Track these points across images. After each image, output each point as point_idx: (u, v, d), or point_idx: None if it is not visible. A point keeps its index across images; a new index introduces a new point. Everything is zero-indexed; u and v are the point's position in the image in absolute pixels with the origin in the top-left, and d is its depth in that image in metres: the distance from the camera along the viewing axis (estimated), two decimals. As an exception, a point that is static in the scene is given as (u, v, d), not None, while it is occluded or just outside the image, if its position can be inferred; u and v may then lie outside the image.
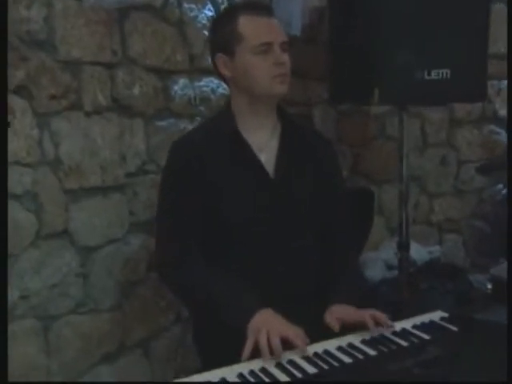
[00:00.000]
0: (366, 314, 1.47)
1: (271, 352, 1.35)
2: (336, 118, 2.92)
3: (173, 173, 1.69)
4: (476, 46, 2.29)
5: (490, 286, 2.79)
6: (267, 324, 1.41)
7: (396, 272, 2.73)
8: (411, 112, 2.85)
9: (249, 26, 1.64)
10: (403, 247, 2.46)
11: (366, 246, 2.52)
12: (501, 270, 2.83)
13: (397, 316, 2.08)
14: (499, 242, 3.42)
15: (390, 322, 1.47)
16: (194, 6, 2.35)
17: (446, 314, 1.53)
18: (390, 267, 2.94)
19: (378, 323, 1.45)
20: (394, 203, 3.04)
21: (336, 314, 1.51)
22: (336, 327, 1.46)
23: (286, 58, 1.66)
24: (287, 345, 1.38)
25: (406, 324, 1.48)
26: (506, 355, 1.41)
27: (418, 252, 3.11)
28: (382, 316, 1.47)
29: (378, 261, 2.95)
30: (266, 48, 1.63)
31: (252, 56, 1.63)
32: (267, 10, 1.69)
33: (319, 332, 1.48)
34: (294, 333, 1.39)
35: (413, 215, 3.34)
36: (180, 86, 2.32)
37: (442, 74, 2.21)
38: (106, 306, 2.12)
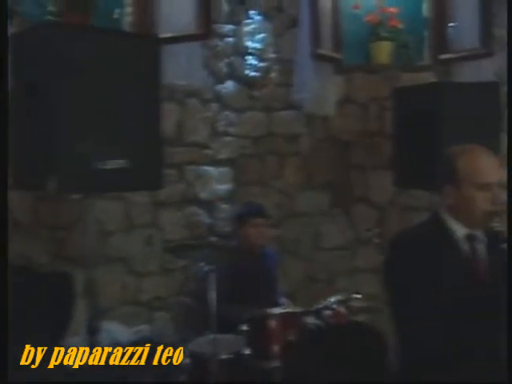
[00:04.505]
0: None
1: None
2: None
3: None
4: (152, 138, 2.47)
5: (188, 361, 2.91)
6: None
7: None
8: (114, 195, 2.96)
9: None
10: (92, 331, 2.47)
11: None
12: (200, 343, 2.97)
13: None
14: (203, 316, 3.61)
15: None
16: None
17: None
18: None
19: None
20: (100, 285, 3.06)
21: None
22: None
23: None
24: None
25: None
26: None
27: (123, 333, 3.18)
28: None
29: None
30: None
31: None
32: None
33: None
34: None
35: (121, 296, 3.39)
36: None
37: (118, 164, 2.33)
38: None
